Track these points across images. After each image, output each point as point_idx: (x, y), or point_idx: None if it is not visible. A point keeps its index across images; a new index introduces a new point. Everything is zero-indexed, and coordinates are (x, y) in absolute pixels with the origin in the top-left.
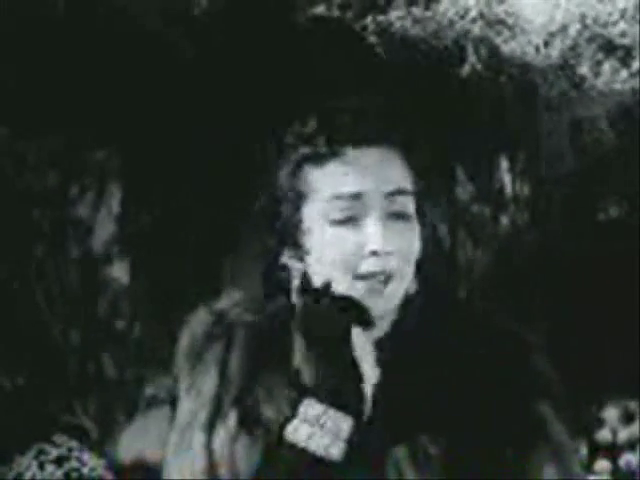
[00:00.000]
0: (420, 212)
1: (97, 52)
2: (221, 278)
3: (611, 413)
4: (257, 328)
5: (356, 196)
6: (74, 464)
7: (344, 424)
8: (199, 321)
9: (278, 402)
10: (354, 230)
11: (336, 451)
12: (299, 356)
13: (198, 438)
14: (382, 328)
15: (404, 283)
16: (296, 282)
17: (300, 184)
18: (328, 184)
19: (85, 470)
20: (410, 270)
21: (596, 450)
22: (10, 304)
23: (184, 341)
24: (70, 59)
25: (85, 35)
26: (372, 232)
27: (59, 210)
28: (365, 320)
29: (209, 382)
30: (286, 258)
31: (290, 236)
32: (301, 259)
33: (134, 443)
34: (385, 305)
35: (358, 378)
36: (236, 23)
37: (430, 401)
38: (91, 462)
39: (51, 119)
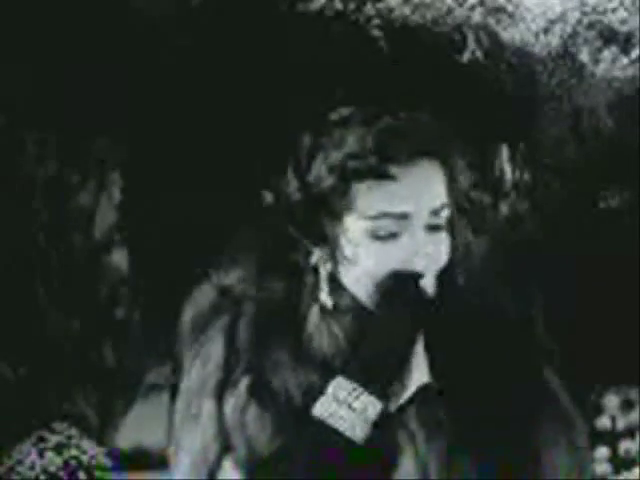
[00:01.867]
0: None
1: (97, 41)
2: (221, 267)
3: (611, 400)
4: (264, 303)
5: (403, 215)
6: (73, 451)
7: (372, 407)
8: (204, 295)
9: (283, 372)
10: (395, 245)
11: (360, 433)
12: (312, 325)
13: (208, 405)
14: None
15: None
16: (324, 281)
17: (346, 197)
18: (376, 202)
19: (85, 457)
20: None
21: (595, 438)
22: (10, 293)
23: (188, 314)
24: (69, 47)
25: (85, 24)
26: (413, 250)
27: (60, 198)
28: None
29: (217, 351)
30: (317, 257)
31: (327, 241)
32: (334, 262)
33: (134, 430)
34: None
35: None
36: (235, 14)
37: (442, 374)
38: (91, 450)
39: (51, 107)
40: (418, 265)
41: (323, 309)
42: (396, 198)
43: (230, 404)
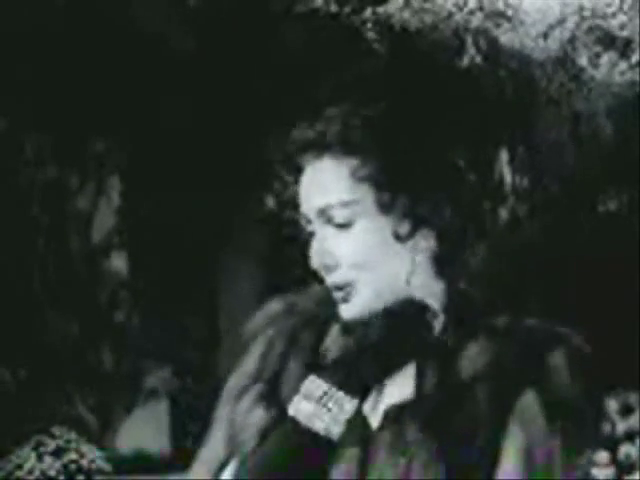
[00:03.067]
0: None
1: (97, 45)
2: (218, 270)
3: (610, 405)
4: (306, 315)
5: (303, 215)
6: (73, 456)
7: (347, 405)
8: (267, 308)
9: (295, 380)
10: (312, 244)
11: (336, 430)
12: (330, 339)
13: (226, 409)
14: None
15: (369, 291)
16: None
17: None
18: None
19: (84, 462)
20: (374, 277)
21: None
22: (10, 297)
23: (247, 326)
24: (70, 52)
25: (85, 28)
26: (315, 248)
27: (59, 202)
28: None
29: (251, 362)
30: None
31: None
32: None
33: (133, 434)
34: (354, 311)
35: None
36: (233, 17)
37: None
38: (90, 454)
39: (51, 112)
40: (314, 263)
41: (344, 326)
42: (300, 198)
43: (240, 409)
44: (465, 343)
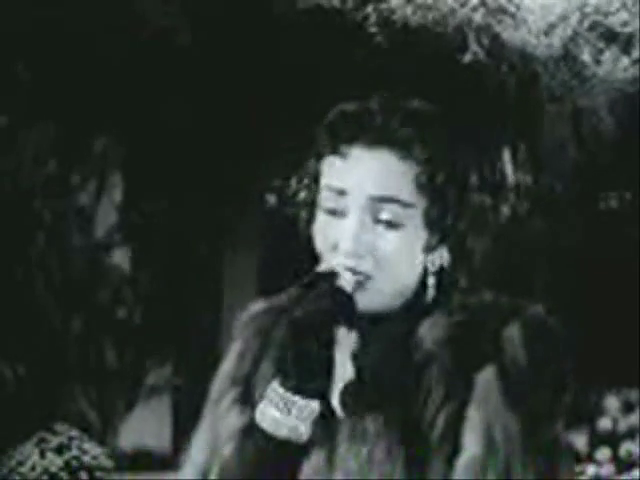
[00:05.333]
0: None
1: (97, 40)
2: (221, 266)
3: (612, 402)
4: (282, 314)
5: (341, 192)
6: (75, 452)
7: (307, 407)
8: (248, 310)
9: (267, 382)
10: (338, 222)
11: (303, 432)
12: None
13: (207, 412)
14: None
15: (387, 289)
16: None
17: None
18: (325, 174)
19: (86, 458)
20: (394, 278)
21: (597, 439)
22: (12, 293)
23: (232, 327)
24: (70, 47)
25: (85, 24)
26: (346, 230)
27: (60, 199)
28: (348, 317)
29: (228, 363)
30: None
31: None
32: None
33: (135, 432)
34: (372, 303)
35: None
36: (235, 12)
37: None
38: (92, 450)
39: (51, 108)
40: (344, 245)
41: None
42: (339, 174)
43: (219, 412)
44: (419, 323)
